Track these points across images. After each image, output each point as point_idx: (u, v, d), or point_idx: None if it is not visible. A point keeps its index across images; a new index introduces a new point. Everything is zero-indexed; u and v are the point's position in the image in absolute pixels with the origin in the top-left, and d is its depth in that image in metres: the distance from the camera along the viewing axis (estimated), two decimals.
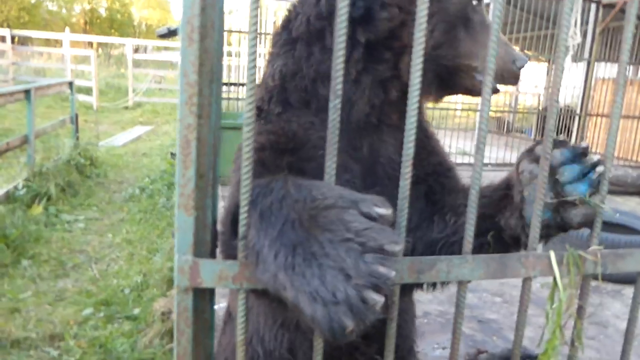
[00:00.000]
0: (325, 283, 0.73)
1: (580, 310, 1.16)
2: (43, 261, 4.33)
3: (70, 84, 7.08)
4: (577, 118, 10.81)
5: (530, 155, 1.11)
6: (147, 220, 5.57)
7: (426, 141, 1.45)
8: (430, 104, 1.69)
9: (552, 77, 5.65)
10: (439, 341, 3.04)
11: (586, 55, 10.37)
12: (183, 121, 0.88)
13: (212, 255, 1.05)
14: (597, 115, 11.57)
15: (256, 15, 0.89)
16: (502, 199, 1.25)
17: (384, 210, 0.79)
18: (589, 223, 1.08)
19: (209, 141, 0.97)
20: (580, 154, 1.05)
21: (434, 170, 1.41)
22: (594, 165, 1.04)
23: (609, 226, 4.65)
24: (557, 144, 1.07)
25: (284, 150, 1.26)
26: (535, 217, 1.06)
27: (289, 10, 1.42)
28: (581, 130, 10.58)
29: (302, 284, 0.75)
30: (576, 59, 10.15)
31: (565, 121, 12.12)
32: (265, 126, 1.33)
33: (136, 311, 3.53)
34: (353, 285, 0.72)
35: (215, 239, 1.08)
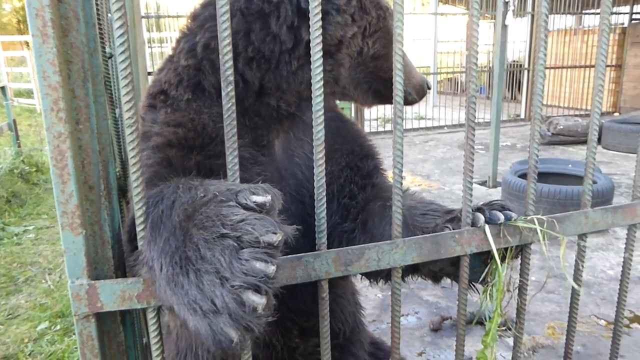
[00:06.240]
0: (203, 291, 0.64)
1: (523, 285, 1.12)
2: None
3: (2, 88, 6.63)
4: (526, 72, 10.95)
5: None
6: None
7: (341, 125, 1.40)
8: None
9: (497, 34, 5.55)
10: (402, 311, 3.02)
11: (529, 9, 10.45)
12: (51, 130, 0.76)
13: (120, 270, 0.95)
14: (546, 67, 11.72)
15: None
16: None
17: (262, 198, 0.69)
18: None
19: (93, 147, 0.85)
20: None
21: (347, 163, 1.34)
22: None
23: (563, 177, 4.71)
24: None
25: (192, 147, 1.13)
26: (466, 192, 1.00)
27: None
28: (531, 84, 10.73)
29: (182, 296, 0.66)
30: (520, 14, 10.20)
31: (515, 76, 12.28)
32: (173, 115, 1.18)
33: None
34: (229, 288, 0.62)
35: (121, 253, 0.97)
